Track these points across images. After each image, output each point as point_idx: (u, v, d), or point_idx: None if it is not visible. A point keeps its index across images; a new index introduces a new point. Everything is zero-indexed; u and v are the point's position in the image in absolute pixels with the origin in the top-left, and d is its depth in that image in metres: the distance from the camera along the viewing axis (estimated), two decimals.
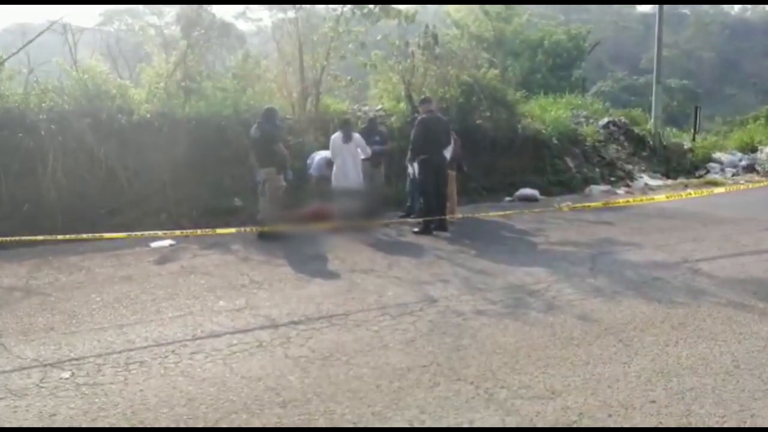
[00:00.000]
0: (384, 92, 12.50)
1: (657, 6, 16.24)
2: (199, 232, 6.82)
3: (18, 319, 4.54)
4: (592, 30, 26.19)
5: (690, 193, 9.67)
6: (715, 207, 9.21)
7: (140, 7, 15.58)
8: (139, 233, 6.71)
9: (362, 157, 8.20)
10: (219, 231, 6.80)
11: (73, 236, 6.34)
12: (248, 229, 7.14)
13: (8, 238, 6.23)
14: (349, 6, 10.96)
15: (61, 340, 4.05)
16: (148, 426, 2.95)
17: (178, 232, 7.04)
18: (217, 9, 10.58)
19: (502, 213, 8.81)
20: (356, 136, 8.24)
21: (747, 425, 2.89)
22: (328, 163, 8.39)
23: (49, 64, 9.84)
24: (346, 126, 8.35)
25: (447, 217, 7.98)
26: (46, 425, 2.97)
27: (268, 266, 6.10)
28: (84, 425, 2.96)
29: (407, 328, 4.20)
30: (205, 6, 10.03)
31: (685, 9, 63.50)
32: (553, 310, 4.57)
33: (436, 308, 4.64)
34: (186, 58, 9.87)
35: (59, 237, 6.43)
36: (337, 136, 8.16)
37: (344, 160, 8.03)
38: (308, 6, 11.30)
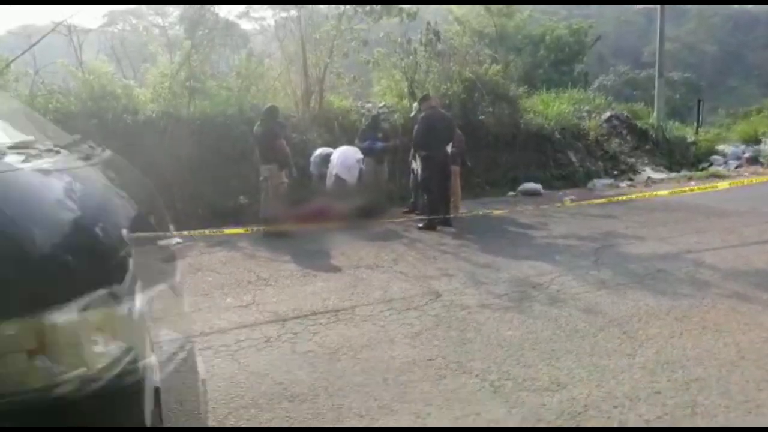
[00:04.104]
0: (387, 89, 12.53)
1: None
2: (207, 232, 6.87)
3: None
4: (593, 24, 26.10)
5: (693, 188, 9.68)
6: (718, 199, 9.21)
7: (144, 7, 15.64)
8: (146, 234, 6.74)
9: (359, 156, 8.31)
10: (227, 231, 6.83)
11: None
12: (256, 228, 7.17)
13: None
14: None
15: None
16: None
17: (186, 233, 7.08)
18: (220, 9, 10.60)
19: (506, 210, 8.83)
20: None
21: (752, 415, 2.91)
22: (324, 160, 8.46)
23: (55, 65, 9.91)
24: None
25: (451, 214, 8.01)
26: None
27: (274, 263, 6.14)
28: None
29: (413, 323, 4.24)
30: (208, 6, 10.05)
31: None
32: (557, 303, 4.60)
33: (441, 302, 4.67)
34: (190, 58, 9.91)
35: None
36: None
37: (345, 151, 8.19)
38: (311, 5, 11.33)
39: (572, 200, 9.63)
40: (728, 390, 3.14)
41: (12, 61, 9.21)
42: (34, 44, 9.59)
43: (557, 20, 25.53)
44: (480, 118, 11.80)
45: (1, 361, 1.52)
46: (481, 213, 8.59)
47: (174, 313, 2.04)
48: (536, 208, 8.91)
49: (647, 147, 14.90)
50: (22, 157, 1.59)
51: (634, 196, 9.45)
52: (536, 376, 3.33)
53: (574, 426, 2.83)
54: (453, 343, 3.84)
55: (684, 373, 3.34)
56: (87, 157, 1.99)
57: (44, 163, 1.64)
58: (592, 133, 13.87)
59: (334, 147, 8.85)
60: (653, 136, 15.25)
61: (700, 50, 58.12)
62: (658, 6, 16.30)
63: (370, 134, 8.75)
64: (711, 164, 14.90)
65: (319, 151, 8.86)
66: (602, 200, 8.90)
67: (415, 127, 7.95)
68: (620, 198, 9.22)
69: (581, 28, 23.97)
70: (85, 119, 8.69)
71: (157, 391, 1.55)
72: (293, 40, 11.26)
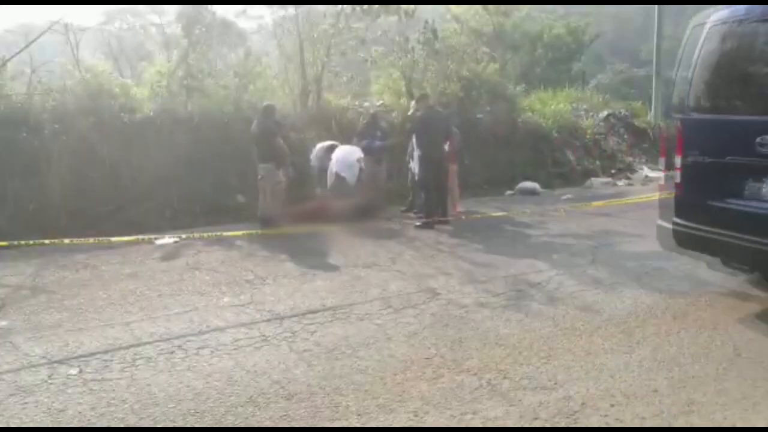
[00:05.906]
0: (385, 88, 12.50)
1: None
2: (206, 235, 6.87)
3: (26, 317, 4.58)
4: (591, 22, 26.08)
5: None
6: None
7: (141, 6, 15.63)
8: (145, 236, 6.78)
9: (359, 155, 8.31)
10: (227, 234, 6.82)
11: (80, 240, 6.41)
12: (256, 231, 7.18)
13: (16, 242, 6.35)
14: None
15: (68, 337, 4.09)
16: (157, 420, 3.00)
17: (185, 236, 7.12)
18: (217, 7, 10.60)
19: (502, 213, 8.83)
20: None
21: (749, 413, 2.92)
22: (327, 152, 8.45)
23: (52, 63, 9.87)
24: None
25: (448, 213, 8.02)
26: (54, 421, 3.02)
27: (271, 261, 6.14)
28: (92, 420, 3.01)
29: (410, 321, 4.24)
30: (205, 5, 10.04)
31: None
32: (554, 301, 4.61)
33: (439, 301, 4.68)
34: (187, 56, 9.88)
35: (66, 241, 6.56)
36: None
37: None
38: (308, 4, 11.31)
39: (566, 211, 9.30)
40: (725, 388, 3.15)
41: (9, 59, 9.16)
42: (31, 42, 9.56)
43: (555, 18, 25.49)
44: (478, 116, 11.77)
45: None
46: (478, 215, 8.60)
47: None
48: (533, 208, 8.91)
49: (645, 145, 14.88)
50: None
51: (633, 200, 9.43)
52: (533, 375, 3.34)
53: (571, 425, 2.84)
54: (450, 342, 3.84)
55: (680, 370, 3.35)
56: None
57: None
58: (589, 131, 13.84)
59: None
60: (651, 134, 15.25)
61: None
62: (656, 6, 16.31)
63: (369, 133, 8.74)
64: None
65: (321, 144, 8.84)
66: (601, 203, 8.89)
67: (412, 126, 7.93)
68: (617, 202, 9.21)
69: (579, 27, 23.96)
70: (82, 117, 8.67)
71: None
72: (291, 38, 11.24)
